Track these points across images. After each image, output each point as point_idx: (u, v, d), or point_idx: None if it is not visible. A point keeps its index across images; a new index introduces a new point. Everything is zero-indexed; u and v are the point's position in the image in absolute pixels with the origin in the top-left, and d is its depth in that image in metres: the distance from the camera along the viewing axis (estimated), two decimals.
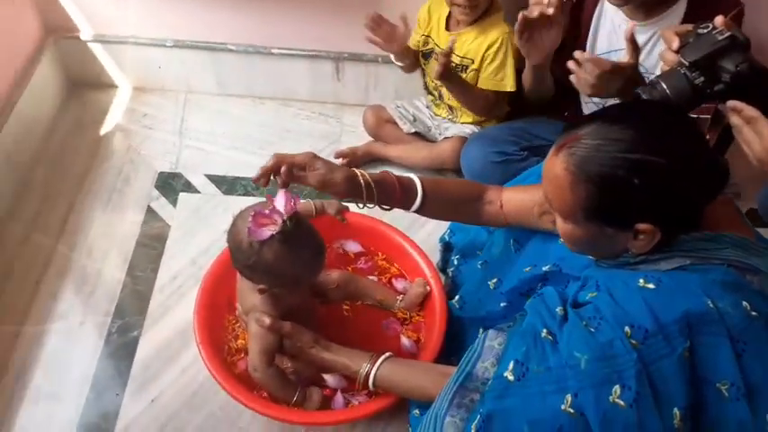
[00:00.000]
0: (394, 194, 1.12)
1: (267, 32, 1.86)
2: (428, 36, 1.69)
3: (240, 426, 1.30)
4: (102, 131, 1.89)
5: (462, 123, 1.76)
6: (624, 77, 1.17)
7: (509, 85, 1.61)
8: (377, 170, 1.76)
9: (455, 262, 1.47)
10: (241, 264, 1.11)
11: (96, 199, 1.71)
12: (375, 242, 1.48)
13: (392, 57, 1.71)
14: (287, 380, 1.22)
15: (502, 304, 1.23)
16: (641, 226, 0.83)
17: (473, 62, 1.62)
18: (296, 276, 1.12)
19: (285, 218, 1.03)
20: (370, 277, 1.46)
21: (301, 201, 1.41)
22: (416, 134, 1.81)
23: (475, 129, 1.73)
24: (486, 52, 1.59)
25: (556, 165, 0.86)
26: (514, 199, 1.20)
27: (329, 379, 1.21)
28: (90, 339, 1.43)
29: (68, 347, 1.41)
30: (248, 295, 1.21)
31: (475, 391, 0.96)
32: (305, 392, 1.21)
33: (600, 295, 0.90)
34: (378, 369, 1.10)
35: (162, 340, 1.42)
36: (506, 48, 1.58)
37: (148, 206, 1.70)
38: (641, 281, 0.87)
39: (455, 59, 1.62)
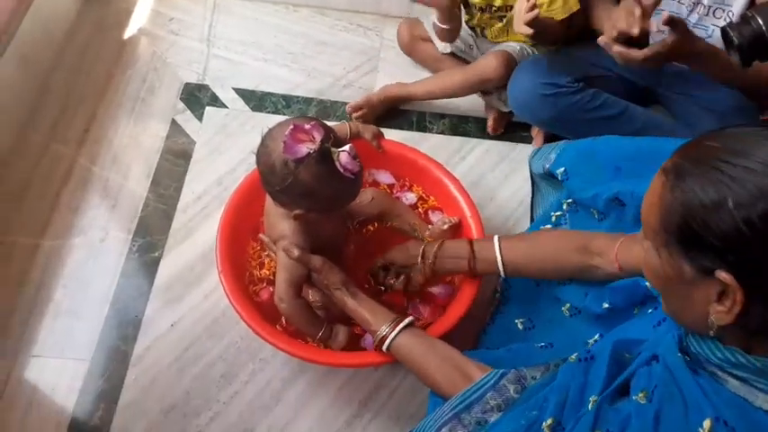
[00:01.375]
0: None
1: None
2: None
3: (261, 357, 1.26)
4: (126, 35, 1.77)
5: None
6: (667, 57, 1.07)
7: (575, 5, 1.44)
8: (399, 118, 1.65)
9: (564, 206, 1.19)
10: (275, 187, 1.01)
11: (120, 108, 1.61)
12: (411, 173, 1.37)
13: (435, 17, 1.50)
14: (314, 314, 1.15)
15: (605, 305, 1.01)
16: (722, 274, 0.59)
17: None
18: (334, 198, 1.03)
19: (324, 140, 0.93)
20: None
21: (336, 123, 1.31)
22: (452, 55, 1.65)
23: (527, 47, 1.56)
24: None
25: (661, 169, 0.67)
26: (635, 253, 0.94)
27: None
28: (111, 256, 1.37)
29: (89, 264, 1.36)
30: (277, 222, 1.13)
31: (464, 430, 0.83)
32: (331, 329, 1.15)
33: (643, 410, 0.68)
34: (395, 337, 1.01)
35: (184, 263, 1.37)
36: None
37: (173, 119, 1.60)
38: (706, 424, 0.61)
39: (497, 2, 1.49)
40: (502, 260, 1.06)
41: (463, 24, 1.65)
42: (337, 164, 0.94)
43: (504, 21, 1.53)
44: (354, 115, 1.62)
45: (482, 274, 1.12)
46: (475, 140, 1.63)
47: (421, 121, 1.65)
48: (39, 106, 1.59)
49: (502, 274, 1.08)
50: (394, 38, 1.78)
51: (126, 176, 1.50)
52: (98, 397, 1.20)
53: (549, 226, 1.17)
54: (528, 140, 1.63)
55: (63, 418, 1.18)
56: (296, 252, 1.07)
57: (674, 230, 0.63)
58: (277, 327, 1.17)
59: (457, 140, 1.63)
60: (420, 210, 1.37)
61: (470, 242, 1.11)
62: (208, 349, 1.27)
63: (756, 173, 0.57)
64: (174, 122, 1.60)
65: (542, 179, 1.32)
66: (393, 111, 1.66)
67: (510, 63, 1.48)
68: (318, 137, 0.93)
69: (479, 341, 1.16)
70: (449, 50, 1.63)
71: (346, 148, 0.95)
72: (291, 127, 0.92)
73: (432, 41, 1.64)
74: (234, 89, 1.67)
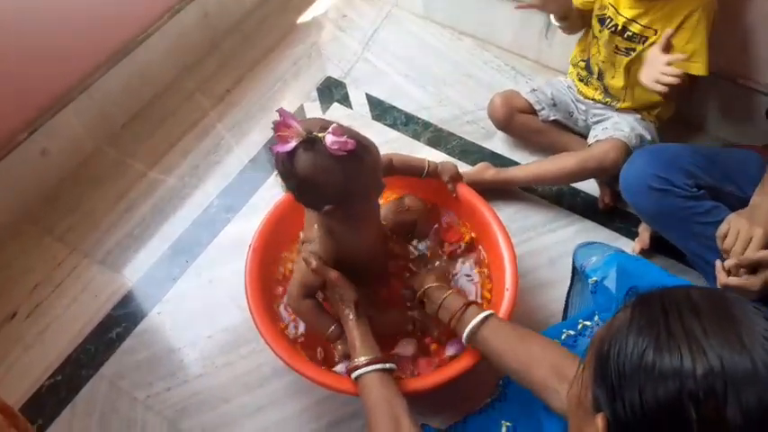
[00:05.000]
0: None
1: None
2: None
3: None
4: (300, 20, 1.92)
5: (621, 110, 1.45)
6: None
7: (698, 68, 1.29)
8: (501, 160, 1.58)
9: (595, 318, 1.04)
10: (291, 189, 1.01)
11: (263, 82, 1.76)
12: (474, 227, 1.32)
13: (551, 17, 1.45)
14: (322, 313, 1.15)
15: None
16: (599, 419, 0.54)
17: (655, 33, 1.30)
18: (349, 185, 0.97)
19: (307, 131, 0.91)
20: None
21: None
22: (555, 122, 1.54)
23: (635, 123, 1.42)
24: (680, 26, 1.27)
25: None
26: None
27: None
28: (193, 204, 1.52)
29: (173, 203, 1.52)
30: (310, 226, 1.16)
31: None
32: (342, 331, 1.15)
33: None
34: (365, 372, 1.01)
35: (246, 232, 1.43)
36: (703, 20, 1.27)
37: (302, 105, 1.71)
38: None
39: (634, 28, 1.33)
40: (472, 329, 1.00)
41: (562, 87, 1.56)
42: (327, 147, 0.90)
43: (633, 55, 1.37)
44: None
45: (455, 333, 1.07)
46: (575, 217, 1.51)
47: None
48: (203, 58, 1.80)
49: (463, 340, 1.02)
50: None
51: (239, 142, 1.63)
52: (124, 316, 1.34)
53: (570, 330, 1.04)
54: (633, 236, 1.47)
55: (91, 321, 1.34)
56: (313, 263, 1.08)
57: (597, 348, 0.58)
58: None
59: (556, 210, 1.52)
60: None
61: (468, 303, 1.04)
62: (227, 315, 1.34)
63: (706, 368, 0.48)
64: (301, 108, 1.71)
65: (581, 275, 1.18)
66: (504, 158, 1.60)
67: (628, 152, 1.36)
68: (298, 125, 0.91)
69: (454, 426, 1.07)
70: (551, 118, 1.53)
71: (331, 128, 0.91)
72: (273, 124, 0.91)
73: (532, 113, 1.54)
74: (366, 94, 1.74)
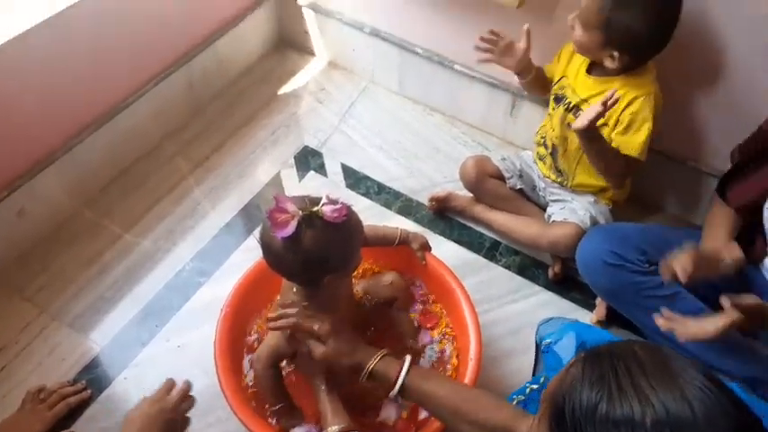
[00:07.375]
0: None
1: (456, 46, 1.78)
2: (564, 77, 1.47)
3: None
4: (281, 91, 2.00)
5: (574, 190, 1.54)
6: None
7: (635, 150, 1.36)
8: (473, 239, 1.65)
9: (542, 380, 1.08)
10: (295, 272, 1.05)
11: (242, 149, 1.82)
12: (442, 298, 1.36)
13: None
14: (279, 388, 1.18)
15: None
16: None
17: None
18: (348, 247, 1.04)
19: (299, 209, 0.96)
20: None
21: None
22: (521, 192, 1.63)
23: (590, 206, 1.50)
24: (623, 111, 1.35)
25: None
26: None
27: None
28: (166, 267, 1.54)
29: (146, 266, 1.54)
30: (288, 292, 1.19)
31: None
32: (290, 410, 1.17)
33: None
34: None
35: (218, 296, 1.45)
36: (646, 107, 1.34)
37: (279, 172, 1.77)
38: None
39: (585, 107, 1.40)
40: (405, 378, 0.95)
41: (530, 162, 1.64)
42: (326, 218, 0.96)
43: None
44: (428, 204, 1.69)
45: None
46: (537, 288, 1.56)
47: (493, 249, 1.63)
48: (185, 124, 1.85)
49: (395, 390, 0.96)
50: None
51: (215, 206, 1.68)
52: (89, 382, 1.34)
53: (520, 396, 1.08)
54: (592, 308, 1.52)
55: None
56: (287, 332, 1.11)
57: (552, 402, 0.63)
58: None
59: (519, 281, 1.57)
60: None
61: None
62: (195, 382, 1.34)
63: (654, 418, 0.55)
64: (277, 175, 1.76)
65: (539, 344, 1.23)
66: (469, 229, 1.67)
67: (581, 236, 1.43)
68: (293, 206, 0.95)
69: None
70: (518, 187, 1.61)
71: (323, 200, 0.97)
72: (267, 214, 0.96)
73: (500, 178, 1.62)
74: (341, 164, 1.81)
